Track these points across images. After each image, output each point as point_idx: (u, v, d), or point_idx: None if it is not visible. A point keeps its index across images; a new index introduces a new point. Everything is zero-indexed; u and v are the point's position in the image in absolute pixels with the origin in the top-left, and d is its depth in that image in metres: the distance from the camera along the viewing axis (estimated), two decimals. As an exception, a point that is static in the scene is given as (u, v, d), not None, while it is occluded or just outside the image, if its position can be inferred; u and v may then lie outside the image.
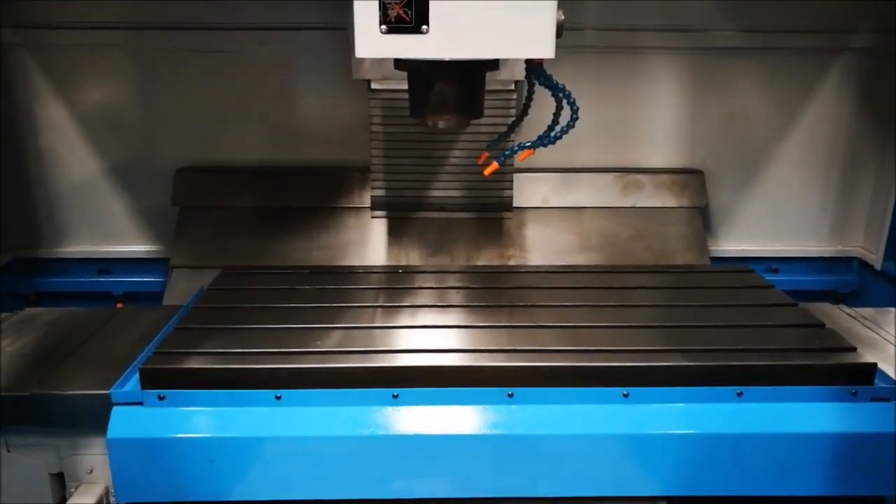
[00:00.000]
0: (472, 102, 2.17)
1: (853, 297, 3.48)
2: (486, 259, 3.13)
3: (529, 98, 2.36)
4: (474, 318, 2.32)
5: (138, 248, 3.40)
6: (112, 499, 2.06)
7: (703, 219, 3.28)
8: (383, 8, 1.79)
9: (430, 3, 1.79)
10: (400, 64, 2.06)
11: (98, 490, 2.06)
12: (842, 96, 3.25)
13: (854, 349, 2.08)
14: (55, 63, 3.13)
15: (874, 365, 2.00)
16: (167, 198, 3.21)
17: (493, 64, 2.06)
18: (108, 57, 3.14)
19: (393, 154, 3.05)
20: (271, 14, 3.06)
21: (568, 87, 2.23)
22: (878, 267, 3.31)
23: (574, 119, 2.22)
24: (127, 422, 1.93)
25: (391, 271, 2.84)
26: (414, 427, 1.95)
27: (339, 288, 2.56)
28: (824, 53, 3.19)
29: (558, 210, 3.23)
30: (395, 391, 1.97)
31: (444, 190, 3.11)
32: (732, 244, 3.46)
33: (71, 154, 3.26)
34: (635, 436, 1.96)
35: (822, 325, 2.25)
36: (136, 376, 1.99)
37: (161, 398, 1.95)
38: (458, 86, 2.11)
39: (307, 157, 3.28)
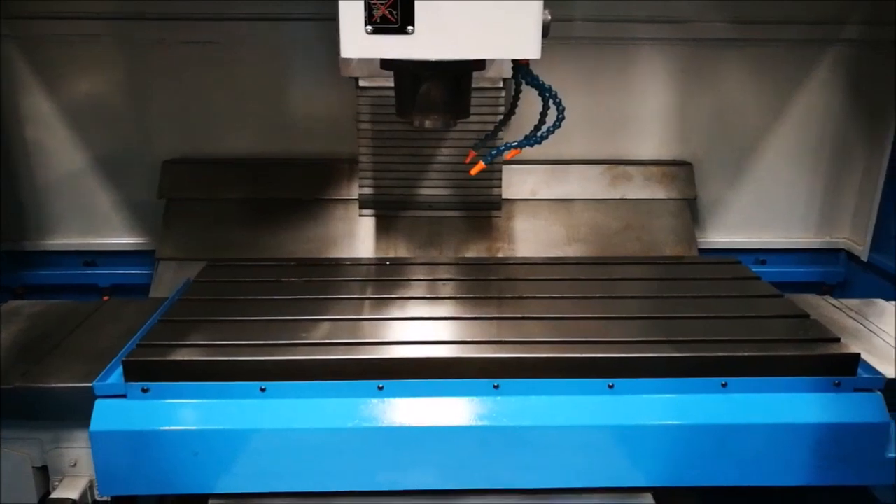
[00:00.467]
0: (458, 102, 2.17)
1: (840, 289, 3.51)
2: (474, 252, 3.12)
3: (516, 97, 2.36)
4: (461, 309, 2.32)
5: (125, 240, 3.39)
6: (96, 492, 2.05)
7: (691, 210, 3.29)
8: (369, 8, 1.79)
9: (416, 4, 1.79)
10: (386, 64, 2.05)
11: (82, 483, 2.05)
12: (831, 88, 3.25)
13: (838, 340, 2.09)
14: (42, 54, 3.11)
15: (857, 355, 2.01)
16: (154, 190, 3.19)
17: (480, 64, 2.05)
18: (95, 48, 3.12)
19: (381, 152, 3.03)
20: (261, 5, 3.04)
21: (558, 79, 2.23)
22: (864, 258, 3.33)
23: (560, 119, 2.23)
24: (110, 415, 1.92)
25: (378, 263, 2.83)
26: (399, 419, 1.94)
27: (325, 280, 2.55)
28: (814, 45, 3.19)
29: (547, 202, 3.23)
30: (381, 383, 1.96)
31: (432, 188, 3.10)
32: (721, 236, 3.47)
33: (57, 146, 3.24)
34: (620, 427, 1.96)
35: (806, 316, 2.25)
36: (120, 369, 1.98)
37: (145, 391, 1.94)
38: (444, 86, 2.10)
39: (295, 148, 3.26)
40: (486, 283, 2.55)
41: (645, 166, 3.28)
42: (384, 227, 3.13)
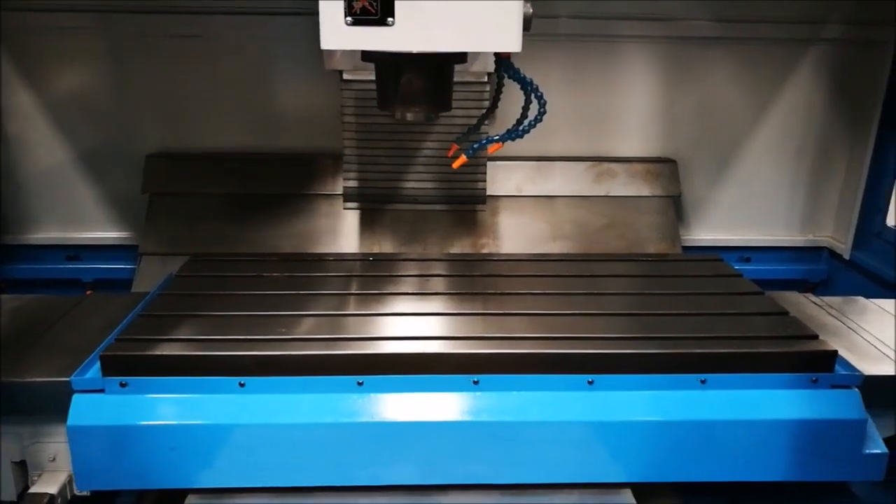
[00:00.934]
0: (439, 95, 2.16)
1: (823, 286, 3.53)
2: (459, 247, 3.12)
3: (499, 91, 2.36)
4: (443, 305, 2.32)
5: (108, 234, 3.37)
6: (75, 487, 2.04)
7: (676, 208, 3.30)
8: None
9: None
10: (367, 56, 2.04)
11: (61, 478, 2.04)
12: (814, 87, 3.27)
13: (816, 337, 2.10)
14: (23, 46, 3.08)
15: (835, 352, 2.02)
16: (138, 184, 3.17)
17: (461, 57, 2.05)
18: (78, 41, 3.09)
19: (366, 145, 3.02)
20: (245, -1, 3.02)
21: (542, 75, 2.23)
22: (846, 256, 3.35)
23: (542, 113, 2.23)
24: (88, 409, 1.91)
25: (362, 259, 2.83)
26: (379, 414, 1.94)
27: (307, 275, 2.55)
28: (797, 44, 3.21)
29: (532, 198, 3.24)
30: (361, 378, 1.96)
31: (417, 182, 3.09)
32: (705, 233, 3.49)
33: (39, 139, 3.21)
34: (600, 423, 1.97)
35: (785, 313, 2.27)
36: (98, 364, 1.97)
37: (123, 385, 1.93)
38: (425, 78, 2.09)
39: (279, 143, 3.25)
40: (470, 280, 2.55)
41: (629, 163, 3.29)
42: (368, 222, 3.13)
